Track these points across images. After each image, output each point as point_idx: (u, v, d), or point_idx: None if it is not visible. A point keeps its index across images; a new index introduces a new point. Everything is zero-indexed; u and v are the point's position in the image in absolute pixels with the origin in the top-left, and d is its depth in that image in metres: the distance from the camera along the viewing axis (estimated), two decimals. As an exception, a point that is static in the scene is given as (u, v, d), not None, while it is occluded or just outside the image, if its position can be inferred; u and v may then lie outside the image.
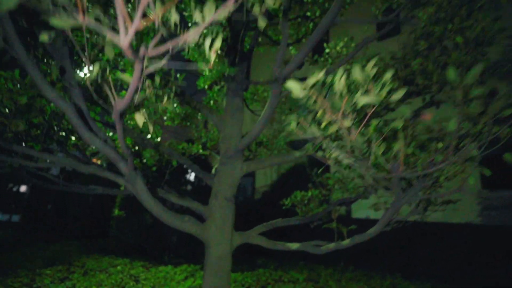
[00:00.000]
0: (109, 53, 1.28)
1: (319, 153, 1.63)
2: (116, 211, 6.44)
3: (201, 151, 3.83)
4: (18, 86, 2.44)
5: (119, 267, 5.02)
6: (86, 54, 1.27)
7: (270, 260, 6.01)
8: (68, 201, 10.30)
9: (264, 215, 6.65)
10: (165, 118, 4.68)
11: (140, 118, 1.48)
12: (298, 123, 1.55)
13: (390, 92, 1.12)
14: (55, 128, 2.60)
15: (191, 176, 9.89)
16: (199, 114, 4.57)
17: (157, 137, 4.24)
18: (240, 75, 2.89)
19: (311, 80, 1.10)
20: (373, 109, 1.14)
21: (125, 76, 1.30)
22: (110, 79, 1.33)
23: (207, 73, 4.33)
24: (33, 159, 2.21)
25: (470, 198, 5.90)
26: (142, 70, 1.10)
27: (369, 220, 7.43)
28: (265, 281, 4.37)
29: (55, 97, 1.48)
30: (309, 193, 3.76)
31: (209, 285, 2.32)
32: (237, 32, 3.13)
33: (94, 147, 3.05)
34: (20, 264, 5.58)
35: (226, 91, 2.86)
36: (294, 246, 2.33)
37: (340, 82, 1.09)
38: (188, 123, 4.60)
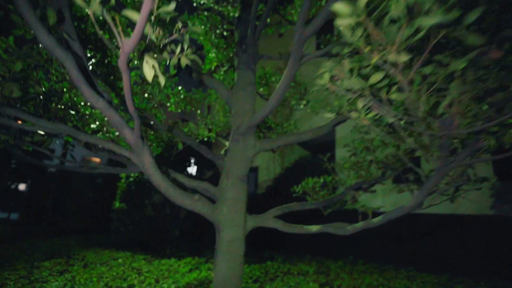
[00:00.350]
0: None
1: (353, 114, 1.43)
2: (116, 204, 6.23)
3: (207, 133, 3.62)
4: (15, 57, 2.24)
5: (120, 260, 4.82)
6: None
7: (276, 253, 5.81)
8: (68, 197, 10.10)
9: (268, 209, 6.47)
10: (168, 104, 4.49)
11: (148, 69, 1.28)
12: (331, 77, 1.35)
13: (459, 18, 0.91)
14: (53, 100, 2.40)
15: (193, 170, 9.70)
16: (206, 99, 4.37)
17: (160, 122, 4.05)
18: (252, 48, 2.69)
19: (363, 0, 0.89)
20: (437, 39, 0.94)
21: (132, 13, 1.10)
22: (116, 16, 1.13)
23: (212, 55, 4.13)
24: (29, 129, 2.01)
25: (483, 189, 5.71)
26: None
27: (377, 213, 7.25)
28: (273, 273, 4.17)
29: (52, 43, 1.28)
30: (321, 179, 3.57)
31: (221, 270, 2.12)
32: (248, 4, 2.94)
33: (94, 125, 2.85)
34: (18, 257, 5.38)
35: (237, 64, 2.66)
36: (314, 228, 2.13)
37: (398, 4, 0.89)
38: (193, 108, 4.40)
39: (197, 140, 4.28)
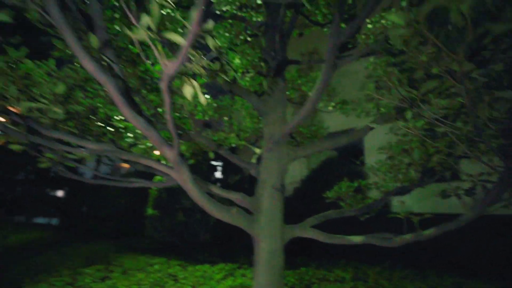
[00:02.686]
0: (155, 11, 1.09)
1: (401, 123, 1.34)
2: (149, 211, 6.41)
3: (237, 141, 3.62)
4: (56, 79, 2.35)
5: (156, 266, 4.95)
6: (131, 9, 1.08)
7: (309, 259, 5.70)
8: (102, 203, 10.57)
9: (298, 212, 6.37)
10: (195, 112, 4.54)
11: (189, 89, 1.28)
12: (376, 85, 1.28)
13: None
14: (91, 118, 2.49)
15: (219, 174, 9.80)
16: (232, 106, 4.37)
17: (190, 130, 4.10)
18: (280, 54, 2.65)
19: None
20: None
21: (175, 36, 1.10)
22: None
23: (237, 61, 4.12)
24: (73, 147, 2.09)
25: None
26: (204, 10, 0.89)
27: (425, 221, 6.90)
28: (308, 280, 4.09)
29: (94, 68, 1.31)
30: (355, 184, 3.45)
31: (262, 282, 2.09)
32: (274, 10, 2.90)
33: (130, 139, 2.93)
34: (61, 263, 5.69)
35: (266, 71, 2.62)
36: (356, 239, 2.05)
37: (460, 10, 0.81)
38: (220, 116, 4.42)
39: (230, 143, 4.31)
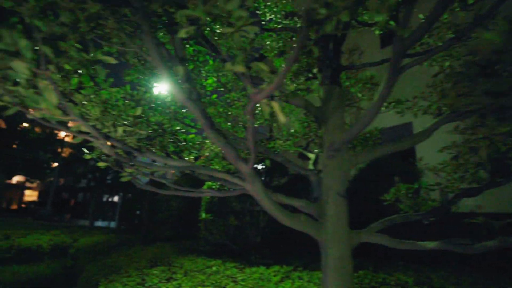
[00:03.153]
0: (238, 42, 1.20)
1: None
2: (203, 215, 6.76)
3: (291, 148, 3.70)
4: (130, 101, 2.62)
5: (214, 268, 5.21)
6: (222, 49, 1.22)
7: (366, 261, 5.58)
8: (156, 206, 11.28)
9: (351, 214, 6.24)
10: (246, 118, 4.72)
11: (267, 110, 1.38)
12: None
13: None
14: (161, 134, 2.73)
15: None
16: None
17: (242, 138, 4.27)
18: (335, 61, 2.68)
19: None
20: None
21: (264, 65, 1.21)
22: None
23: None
24: (152, 165, 2.33)
25: None
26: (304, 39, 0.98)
27: (474, 214, 6.39)
28: (368, 284, 4.02)
29: (185, 98, 1.48)
30: (415, 185, 3.34)
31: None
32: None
33: (194, 153, 3.15)
34: (127, 264, 6.23)
35: (322, 79, 2.67)
36: (429, 244, 2.01)
37: None
38: (268, 121, 4.54)
39: (284, 150, 4.41)
